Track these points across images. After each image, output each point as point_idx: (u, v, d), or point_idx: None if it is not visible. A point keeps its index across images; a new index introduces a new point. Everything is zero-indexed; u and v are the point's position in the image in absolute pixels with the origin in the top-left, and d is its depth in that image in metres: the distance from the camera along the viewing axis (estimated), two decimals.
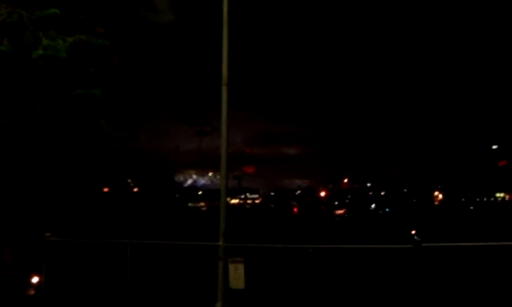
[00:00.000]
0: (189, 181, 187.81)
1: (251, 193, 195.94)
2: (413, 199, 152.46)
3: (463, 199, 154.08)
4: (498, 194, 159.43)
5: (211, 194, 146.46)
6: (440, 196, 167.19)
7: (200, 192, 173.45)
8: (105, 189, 68.38)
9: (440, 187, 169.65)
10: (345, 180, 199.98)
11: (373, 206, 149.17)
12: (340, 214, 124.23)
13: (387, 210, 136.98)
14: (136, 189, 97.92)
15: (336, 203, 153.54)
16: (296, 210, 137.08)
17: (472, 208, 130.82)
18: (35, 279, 18.67)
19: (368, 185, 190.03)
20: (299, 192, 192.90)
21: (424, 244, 11.72)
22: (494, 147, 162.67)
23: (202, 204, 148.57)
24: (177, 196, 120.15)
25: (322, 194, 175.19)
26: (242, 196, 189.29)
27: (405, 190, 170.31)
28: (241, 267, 13.59)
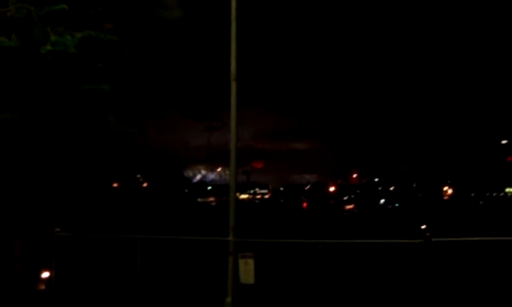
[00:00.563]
0: (198, 177, 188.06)
1: (261, 188, 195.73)
2: (422, 194, 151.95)
3: (472, 194, 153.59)
4: (507, 189, 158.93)
5: (220, 189, 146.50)
6: (450, 191, 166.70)
7: (209, 187, 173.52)
8: (115, 184, 68.50)
9: (449, 181, 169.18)
10: (354, 175, 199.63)
11: (382, 201, 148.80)
12: (350, 209, 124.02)
13: (396, 205, 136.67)
14: (145, 184, 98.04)
15: (345, 198, 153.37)
16: (305, 205, 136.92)
17: (481, 203, 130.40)
18: (45, 274, 18.70)
19: (376, 180, 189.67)
20: (308, 187, 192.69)
21: (434, 239, 11.66)
22: (503, 142, 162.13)
23: (211, 199, 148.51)
24: (186, 191, 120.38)
25: (332, 189, 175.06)
26: (252, 191, 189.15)
27: (414, 185, 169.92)
28: (251, 262, 13.57)
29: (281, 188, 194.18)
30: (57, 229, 16.71)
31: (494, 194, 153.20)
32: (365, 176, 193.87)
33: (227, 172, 17.66)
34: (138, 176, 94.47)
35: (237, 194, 15.31)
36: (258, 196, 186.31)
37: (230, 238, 13.71)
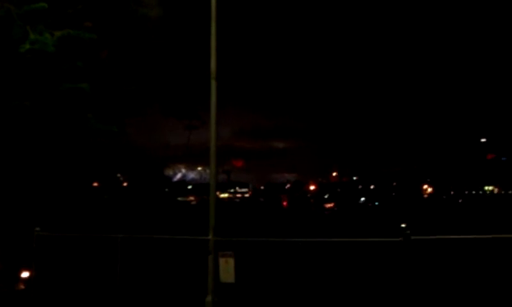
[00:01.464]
0: (179, 176, 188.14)
1: (241, 187, 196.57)
2: (402, 193, 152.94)
3: (452, 192, 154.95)
4: (486, 187, 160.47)
5: (201, 188, 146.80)
6: (429, 189, 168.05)
7: (190, 187, 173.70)
8: (95, 184, 68.32)
9: (429, 180, 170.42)
10: (334, 174, 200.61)
11: (362, 199, 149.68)
12: (330, 208, 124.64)
13: (376, 203, 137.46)
14: (125, 184, 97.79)
15: (326, 196, 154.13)
16: (285, 203, 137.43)
17: (460, 201, 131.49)
18: (25, 274, 18.61)
19: (355, 178, 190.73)
20: (288, 185, 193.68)
21: (413, 237, 11.76)
22: (483, 140, 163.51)
23: (192, 198, 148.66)
24: (167, 190, 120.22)
25: (312, 187, 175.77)
26: (232, 190, 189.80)
27: (394, 183, 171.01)
28: (231, 260, 13.61)
29: (262, 187, 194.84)
30: (37, 229, 16.64)
31: (473, 192, 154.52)
32: (344, 175, 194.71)
33: (207, 171, 17.64)
34: (118, 175, 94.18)
35: (218, 193, 15.35)
36: (239, 195, 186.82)
37: (210, 237, 13.73)
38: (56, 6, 17.00)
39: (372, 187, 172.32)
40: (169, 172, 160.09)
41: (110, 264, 15.80)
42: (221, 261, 13.67)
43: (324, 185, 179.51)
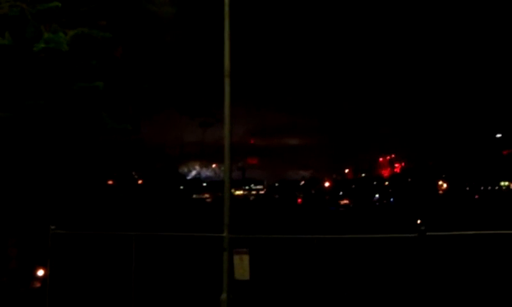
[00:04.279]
0: (193, 173, 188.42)
1: (256, 184, 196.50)
2: (417, 189, 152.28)
3: (467, 188, 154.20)
4: (502, 183, 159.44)
5: (215, 185, 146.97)
6: (445, 185, 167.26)
7: (205, 184, 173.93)
8: (110, 182, 68.44)
9: (444, 176, 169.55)
10: (349, 170, 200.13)
11: (377, 196, 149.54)
12: (345, 204, 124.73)
13: (392, 200, 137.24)
14: (140, 181, 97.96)
15: (341, 193, 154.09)
16: (300, 200, 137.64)
17: (476, 197, 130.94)
18: (40, 272, 18.71)
19: (363, 175, 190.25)
20: (303, 182, 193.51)
21: (429, 233, 11.68)
22: (498, 136, 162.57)
23: (207, 195, 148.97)
24: (182, 187, 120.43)
25: (327, 184, 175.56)
26: (247, 187, 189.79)
27: (409, 179, 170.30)
28: (246, 258, 13.58)
29: (276, 184, 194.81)
30: (53, 227, 16.67)
31: (489, 188, 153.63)
32: (359, 171, 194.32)
33: (222, 168, 17.65)
34: (133, 173, 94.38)
35: (232, 190, 15.31)
36: (254, 192, 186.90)
37: (225, 234, 13.71)
38: (69, 5, 17.03)
39: (386, 183, 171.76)
40: (184, 169, 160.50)
41: (125, 262, 15.82)
42: (236, 258, 13.64)
43: (338, 182, 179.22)
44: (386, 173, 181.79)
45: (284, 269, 18.93)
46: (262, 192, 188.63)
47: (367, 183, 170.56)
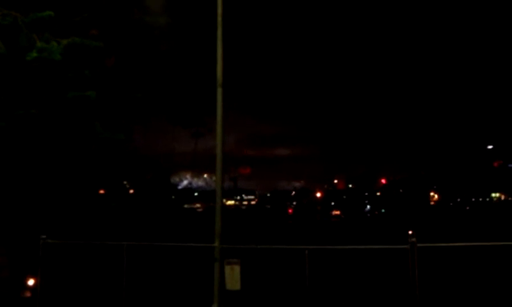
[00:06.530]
0: (185, 183, 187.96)
1: (247, 194, 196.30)
2: (408, 200, 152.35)
3: (458, 200, 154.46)
4: (493, 194, 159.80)
5: (207, 195, 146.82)
6: (436, 196, 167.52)
7: (196, 194, 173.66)
8: (101, 191, 68.26)
9: (435, 187, 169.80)
10: (336, 181, 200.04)
11: (368, 207, 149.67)
12: (336, 215, 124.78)
13: (383, 210, 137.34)
14: (131, 191, 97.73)
15: (332, 203, 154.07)
16: (290, 210, 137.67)
17: (467, 208, 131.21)
18: (31, 282, 18.62)
19: (350, 186, 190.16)
20: (294, 193, 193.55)
21: (419, 245, 11.72)
22: (489, 147, 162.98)
23: (198, 205, 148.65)
24: (173, 197, 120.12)
25: (318, 194, 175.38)
26: (238, 197, 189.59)
27: (401, 190, 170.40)
28: (237, 268, 13.59)
29: (268, 195, 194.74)
30: (44, 236, 16.63)
31: (480, 199, 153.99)
32: (350, 182, 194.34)
33: (214, 178, 17.73)
34: (125, 182, 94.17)
35: (224, 200, 15.33)
36: (245, 202, 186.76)
37: (216, 244, 13.72)
38: (62, 14, 17.03)
39: (378, 194, 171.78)
40: (176, 179, 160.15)
41: (116, 271, 15.80)
42: (227, 268, 13.65)
43: (330, 192, 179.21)
44: (383, 180, 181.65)
45: (276, 280, 18.93)
46: (253, 202, 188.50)
47: (359, 194, 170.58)
